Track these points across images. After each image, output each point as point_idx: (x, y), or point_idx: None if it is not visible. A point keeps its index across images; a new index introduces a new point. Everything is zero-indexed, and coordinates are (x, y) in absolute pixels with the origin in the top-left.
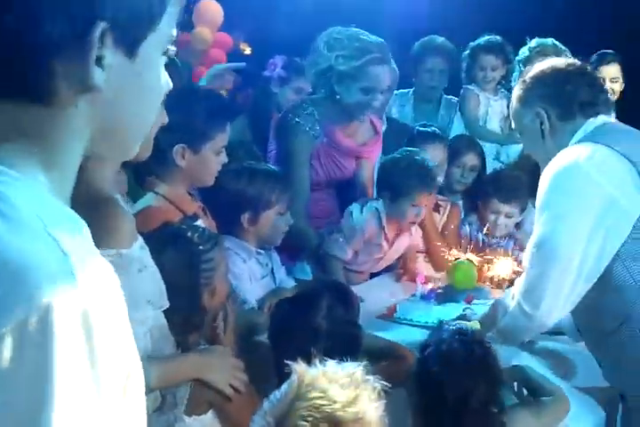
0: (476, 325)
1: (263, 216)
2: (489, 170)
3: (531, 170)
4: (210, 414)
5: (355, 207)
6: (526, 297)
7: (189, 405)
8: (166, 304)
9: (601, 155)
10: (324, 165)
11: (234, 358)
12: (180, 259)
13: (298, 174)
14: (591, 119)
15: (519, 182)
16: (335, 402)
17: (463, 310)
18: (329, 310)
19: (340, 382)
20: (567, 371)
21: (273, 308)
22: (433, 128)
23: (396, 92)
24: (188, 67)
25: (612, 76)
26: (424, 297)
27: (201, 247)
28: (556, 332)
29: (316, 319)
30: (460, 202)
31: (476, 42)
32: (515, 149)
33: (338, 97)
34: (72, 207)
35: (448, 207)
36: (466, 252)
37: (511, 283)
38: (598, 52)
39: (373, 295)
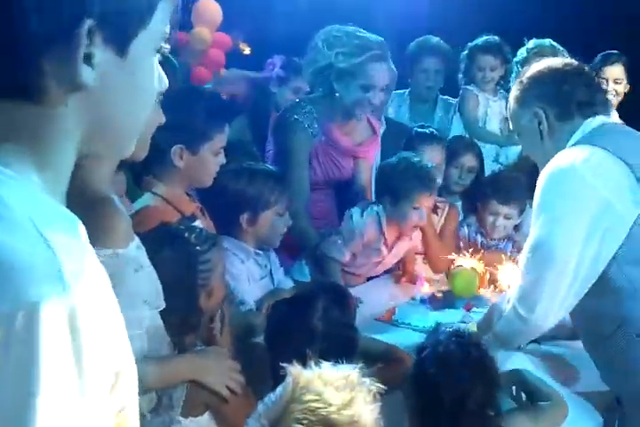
0: (472, 327)
1: (262, 217)
2: (488, 171)
3: (530, 171)
4: (206, 415)
5: (355, 210)
6: (522, 301)
7: (185, 406)
8: (163, 305)
9: (597, 158)
10: (322, 164)
11: (230, 360)
12: (177, 259)
13: (297, 173)
14: (589, 119)
15: (518, 184)
16: (330, 405)
17: (462, 318)
18: (325, 312)
19: (335, 385)
20: (566, 375)
21: (269, 309)
22: (431, 129)
23: None
24: (185, 67)
25: (615, 77)
26: (423, 301)
27: (198, 248)
28: (552, 336)
29: (312, 321)
30: (459, 203)
31: (475, 42)
32: (514, 151)
33: (337, 95)
34: (68, 206)
35: (446, 209)
36: (465, 254)
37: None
38: (602, 53)
39: (372, 297)
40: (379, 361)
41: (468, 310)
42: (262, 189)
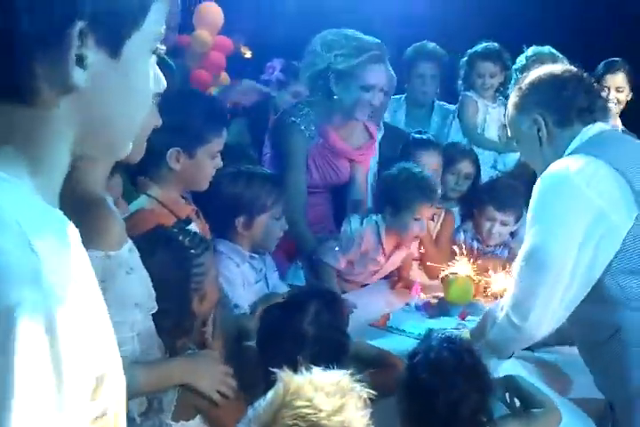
0: (465, 333)
1: (258, 221)
2: (486, 178)
3: (527, 179)
4: (197, 419)
5: (354, 218)
6: (515, 309)
7: (176, 410)
8: (155, 308)
9: (592, 168)
10: (319, 167)
11: (222, 364)
12: (170, 262)
13: (294, 176)
14: (588, 126)
15: (515, 191)
16: (321, 411)
17: (456, 326)
18: (315, 317)
19: (325, 391)
20: (559, 382)
21: (261, 313)
22: (428, 135)
23: None
24: (186, 69)
25: (617, 85)
26: (418, 308)
27: (192, 251)
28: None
29: (302, 326)
30: (456, 209)
31: (474, 49)
32: (512, 158)
33: (335, 97)
34: (61, 208)
35: (442, 215)
36: (460, 260)
37: None
38: (605, 61)
39: (368, 303)
40: (371, 366)
41: (463, 318)
42: (259, 193)
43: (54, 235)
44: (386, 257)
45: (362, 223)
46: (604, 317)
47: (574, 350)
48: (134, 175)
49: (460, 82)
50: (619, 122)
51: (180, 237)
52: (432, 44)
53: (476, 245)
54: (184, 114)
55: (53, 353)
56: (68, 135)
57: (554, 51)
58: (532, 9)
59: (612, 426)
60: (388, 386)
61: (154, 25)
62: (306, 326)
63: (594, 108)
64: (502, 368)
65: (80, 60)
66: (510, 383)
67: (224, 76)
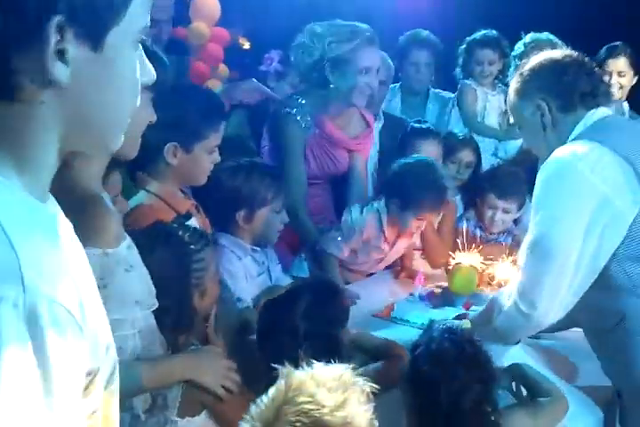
0: (466, 324)
1: (258, 214)
2: (487, 166)
3: (529, 166)
4: (203, 415)
5: (355, 207)
6: (523, 297)
7: (182, 406)
8: (155, 304)
9: (596, 154)
10: (317, 157)
11: (225, 359)
12: (170, 258)
13: (292, 167)
14: (592, 111)
15: (516, 178)
16: (323, 406)
17: (457, 316)
18: (306, 310)
19: (327, 386)
20: (565, 370)
21: (260, 307)
22: (427, 124)
23: None
24: (185, 63)
25: (619, 69)
26: (422, 298)
27: (192, 247)
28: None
29: (293, 319)
30: (458, 198)
31: (473, 36)
32: (513, 145)
33: (332, 86)
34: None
35: None
36: (464, 249)
37: None
38: (607, 45)
39: (371, 293)
40: (376, 357)
41: (468, 309)
42: (258, 187)
43: (41, 231)
44: (389, 244)
45: (362, 212)
46: (611, 304)
47: (580, 337)
48: (133, 171)
49: (458, 70)
50: (626, 106)
51: (180, 233)
52: (425, 32)
53: (478, 233)
54: (181, 109)
55: (37, 347)
56: (54, 132)
57: (552, 37)
58: None
59: (619, 413)
60: (394, 377)
61: (137, 17)
62: (297, 319)
63: (597, 93)
64: (508, 356)
65: (61, 55)
66: (516, 372)
67: (222, 68)
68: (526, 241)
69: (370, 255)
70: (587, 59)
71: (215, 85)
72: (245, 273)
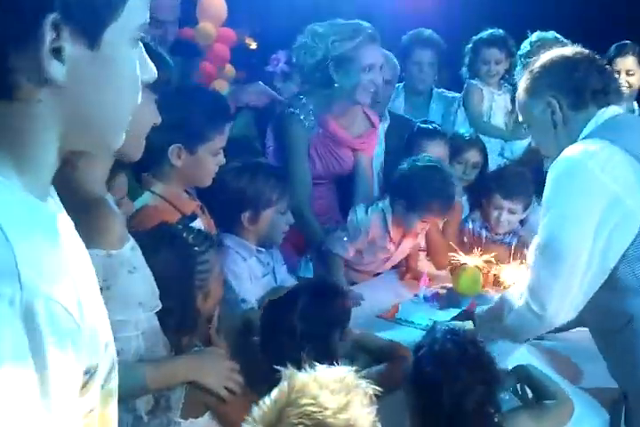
0: (469, 325)
1: (263, 215)
2: (493, 166)
3: (535, 166)
4: (206, 416)
5: (360, 207)
6: (534, 297)
7: (185, 408)
8: (159, 306)
9: (606, 153)
10: (321, 156)
11: (228, 360)
12: (174, 260)
13: (297, 166)
14: (603, 109)
15: (522, 178)
16: (326, 409)
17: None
18: (304, 311)
19: (330, 388)
20: (569, 371)
21: (262, 309)
22: (434, 125)
23: None
24: (194, 63)
25: (627, 68)
26: (427, 299)
27: (196, 249)
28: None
29: (291, 320)
30: (464, 198)
31: (479, 35)
32: (519, 145)
33: (336, 85)
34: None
35: None
36: (469, 250)
37: None
38: (616, 44)
39: (376, 294)
40: (380, 358)
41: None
42: (263, 188)
43: (40, 230)
44: (395, 244)
45: (367, 212)
46: (618, 305)
47: (581, 338)
48: (138, 172)
49: (464, 69)
50: (635, 105)
51: (184, 234)
52: (428, 31)
53: (484, 233)
54: (186, 110)
55: (34, 347)
56: (53, 131)
57: (558, 36)
58: None
59: (625, 415)
60: (398, 378)
61: (135, 13)
62: (295, 319)
63: (608, 91)
64: (513, 357)
65: (57, 53)
66: (522, 373)
67: (229, 68)
68: (537, 240)
69: (376, 255)
70: (597, 56)
71: (222, 86)
72: (250, 274)
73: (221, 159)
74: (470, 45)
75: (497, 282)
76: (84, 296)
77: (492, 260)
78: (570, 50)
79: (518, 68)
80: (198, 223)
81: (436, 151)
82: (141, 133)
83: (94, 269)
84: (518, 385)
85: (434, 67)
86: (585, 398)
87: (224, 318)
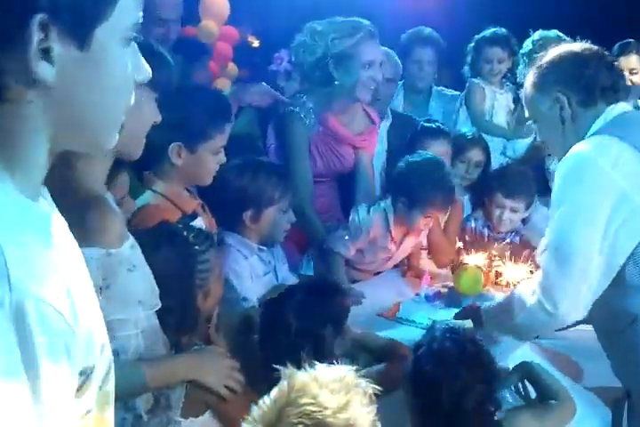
0: (469, 324)
1: (265, 214)
2: (495, 165)
3: (537, 165)
4: (207, 415)
5: (362, 207)
6: (547, 296)
7: (185, 407)
8: (158, 305)
9: (616, 149)
10: (322, 154)
11: (228, 359)
12: (175, 259)
13: (298, 164)
14: (611, 106)
15: (524, 177)
16: (326, 408)
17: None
18: (298, 309)
19: (330, 388)
20: (571, 370)
21: (261, 307)
22: (437, 124)
23: None
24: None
25: (631, 66)
26: (428, 298)
27: (197, 248)
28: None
29: (287, 318)
30: (466, 197)
31: (482, 34)
32: (521, 144)
33: (336, 83)
34: (60, 207)
35: None
36: (470, 249)
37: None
38: (620, 43)
39: (378, 292)
40: (380, 358)
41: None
42: (265, 186)
43: (32, 231)
44: (396, 244)
45: (369, 211)
46: (624, 305)
47: (582, 337)
48: (140, 171)
49: (466, 68)
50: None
51: (185, 233)
52: (428, 30)
53: (486, 232)
54: (186, 109)
55: (25, 349)
56: (44, 133)
57: (561, 34)
58: None
59: (627, 414)
60: (398, 379)
61: (126, 13)
62: (289, 318)
63: (617, 88)
64: (516, 355)
65: (46, 54)
66: (526, 370)
67: (231, 67)
68: (547, 238)
69: (377, 255)
70: (606, 52)
71: (224, 84)
72: (251, 273)
73: (222, 158)
74: (473, 44)
75: (498, 281)
76: (78, 297)
77: (495, 258)
78: (578, 46)
79: (520, 66)
80: (199, 222)
81: (439, 150)
82: (141, 132)
83: (94, 268)
84: (519, 384)
85: (433, 65)
86: (587, 397)
87: (223, 317)
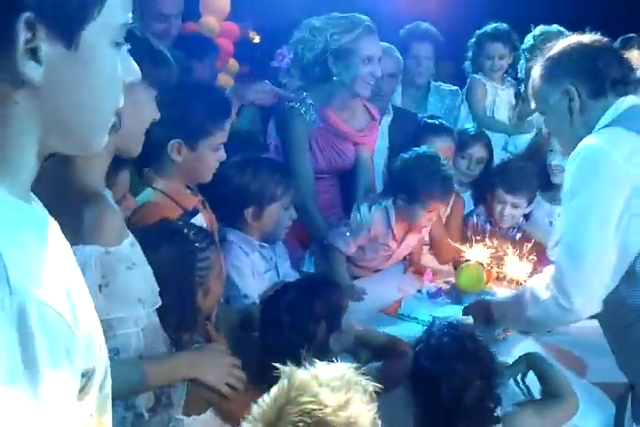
0: (468, 319)
1: (267, 211)
2: (497, 160)
3: (538, 160)
4: (209, 413)
5: (363, 206)
6: (561, 291)
7: (187, 405)
8: (158, 302)
9: (629, 142)
10: (323, 150)
11: (229, 356)
12: (175, 256)
13: (299, 160)
14: (621, 99)
15: (526, 173)
16: (326, 406)
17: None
18: (289, 305)
19: (330, 386)
20: (574, 365)
21: (261, 304)
22: (440, 120)
23: None
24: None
25: (632, 61)
26: (430, 295)
27: (197, 245)
28: None
29: (279, 315)
30: (468, 193)
31: (483, 30)
32: (523, 140)
33: (335, 79)
34: (59, 204)
35: (452, 199)
36: (472, 245)
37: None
38: (621, 37)
39: (379, 289)
40: (381, 354)
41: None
42: (267, 183)
43: (29, 233)
44: (397, 242)
45: (370, 209)
46: (631, 300)
47: (585, 332)
48: (140, 168)
49: (467, 63)
50: None
51: (185, 231)
52: (425, 25)
53: (488, 227)
54: (186, 106)
55: (26, 351)
56: (31, 134)
57: (562, 29)
58: None
59: (632, 409)
60: (398, 376)
61: (115, 12)
62: (282, 314)
63: (628, 80)
64: (520, 349)
65: (34, 54)
66: (532, 360)
67: (232, 63)
68: (558, 233)
69: (377, 252)
70: (615, 45)
71: (226, 80)
72: (252, 270)
73: (222, 155)
74: (474, 40)
75: (500, 277)
76: (76, 298)
77: (497, 254)
78: (587, 37)
79: (522, 62)
80: (200, 218)
81: (442, 147)
82: (140, 129)
83: (92, 266)
84: (519, 376)
85: (431, 60)
86: (591, 392)
87: (223, 314)
